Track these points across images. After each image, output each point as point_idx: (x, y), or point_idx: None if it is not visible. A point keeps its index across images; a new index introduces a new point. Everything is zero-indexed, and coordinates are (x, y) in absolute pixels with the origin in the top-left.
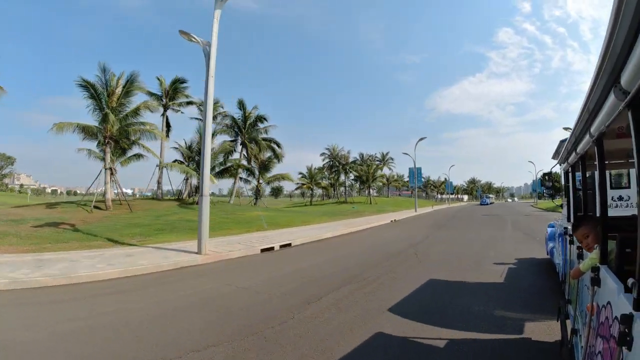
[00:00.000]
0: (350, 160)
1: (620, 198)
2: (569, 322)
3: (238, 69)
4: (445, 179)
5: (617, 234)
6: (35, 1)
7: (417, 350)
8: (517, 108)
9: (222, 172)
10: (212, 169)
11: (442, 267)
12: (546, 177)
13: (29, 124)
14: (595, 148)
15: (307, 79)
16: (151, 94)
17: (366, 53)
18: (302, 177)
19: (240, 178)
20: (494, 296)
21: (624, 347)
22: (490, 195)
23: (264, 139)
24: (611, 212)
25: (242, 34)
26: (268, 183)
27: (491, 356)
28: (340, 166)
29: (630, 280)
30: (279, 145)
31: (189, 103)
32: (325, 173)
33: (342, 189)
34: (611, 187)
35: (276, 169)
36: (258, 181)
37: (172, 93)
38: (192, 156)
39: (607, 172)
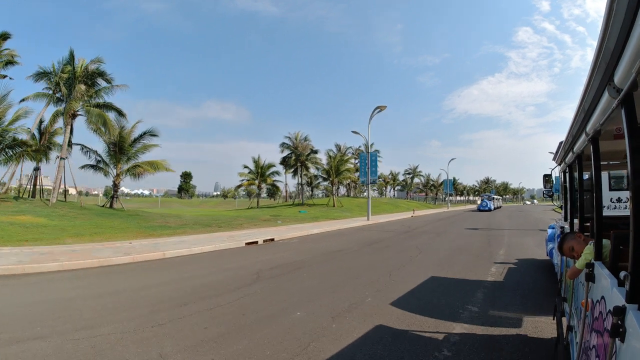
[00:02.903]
0: (326, 153)
1: (619, 200)
2: (565, 320)
3: (255, 71)
4: (450, 177)
5: (611, 231)
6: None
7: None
8: (538, 109)
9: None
10: None
11: None
12: (546, 178)
13: None
14: (591, 147)
15: (326, 83)
16: None
17: (385, 56)
18: (249, 172)
19: (94, 166)
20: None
21: (617, 339)
22: (495, 196)
23: (97, 105)
24: (609, 213)
25: (261, 37)
26: (135, 175)
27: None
28: (293, 157)
29: (622, 273)
30: (121, 113)
31: (9, 63)
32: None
33: (317, 186)
34: (610, 189)
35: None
36: (117, 171)
37: None
38: None
39: (607, 174)
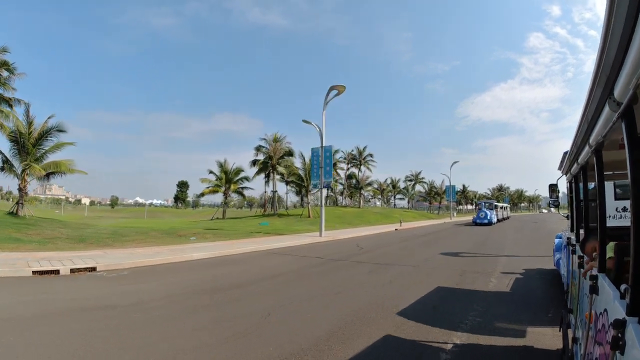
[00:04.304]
0: (300, 155)
1: (625, 209)
2: (570, 331)
3: (266, 83)
4: (460, 185)
5: (615, 242)
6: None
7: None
8: (552, 114)
9: None
10: None
11: None
12: (552, 188)
13: (64, 136)
14: (595, 158)
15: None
16: None
17: (395, 64)
18: (217, 178)
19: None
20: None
21: (617, 352)
22: (500, 204)
23: None
24: (615, 223)
25: (271, 49)
26: (39, 178)
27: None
28: (261, 160)
29: (623, 286)
30: (9, 104)
31: None
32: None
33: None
34: (616, 198)
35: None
36: (24, 172)
37: None
38: None
39: (612, 183)
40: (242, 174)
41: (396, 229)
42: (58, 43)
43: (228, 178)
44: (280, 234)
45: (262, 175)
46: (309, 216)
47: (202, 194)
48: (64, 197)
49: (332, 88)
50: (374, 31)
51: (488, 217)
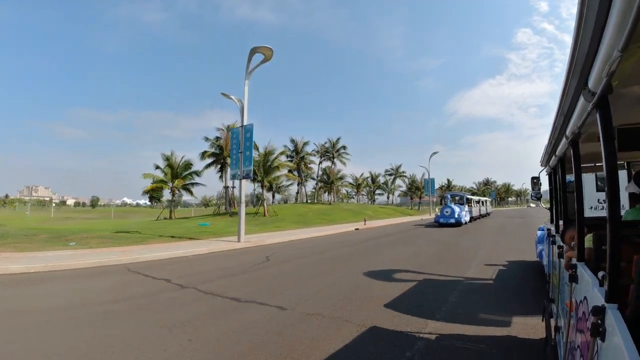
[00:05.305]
0: (279, 149)
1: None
2: (552, 321)
3: (257, 79)
4: (445, 180)
5: (593, 232)
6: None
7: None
8: (540, 109)
9: None
10: None
11: None
12: (534, 180)
13: (55, 135)
14: (571, 150)
15: (329, 90)
16: None
17: (387, 61)
18: (163, 174)
19: None
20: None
21: (598, 339)
22: (476, 198)
23: None
24: (597, 214)
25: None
26: None
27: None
28: (209, 152)
29: (600, 274)
30: None
31: None
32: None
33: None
34: (598, 190)
35: None
36: None
37: None
38: None
39: (594, 175)
40: (192, 169)
41: (357, 229)
42: (50, 40)
43: (175, 173)
44: (197, 238)
45: (220, 171)
46: (265, 214)
47: (146, 192)
48: (48, 199)
49: (254, 51)
50: (368, 26)
51: (455, 216)
